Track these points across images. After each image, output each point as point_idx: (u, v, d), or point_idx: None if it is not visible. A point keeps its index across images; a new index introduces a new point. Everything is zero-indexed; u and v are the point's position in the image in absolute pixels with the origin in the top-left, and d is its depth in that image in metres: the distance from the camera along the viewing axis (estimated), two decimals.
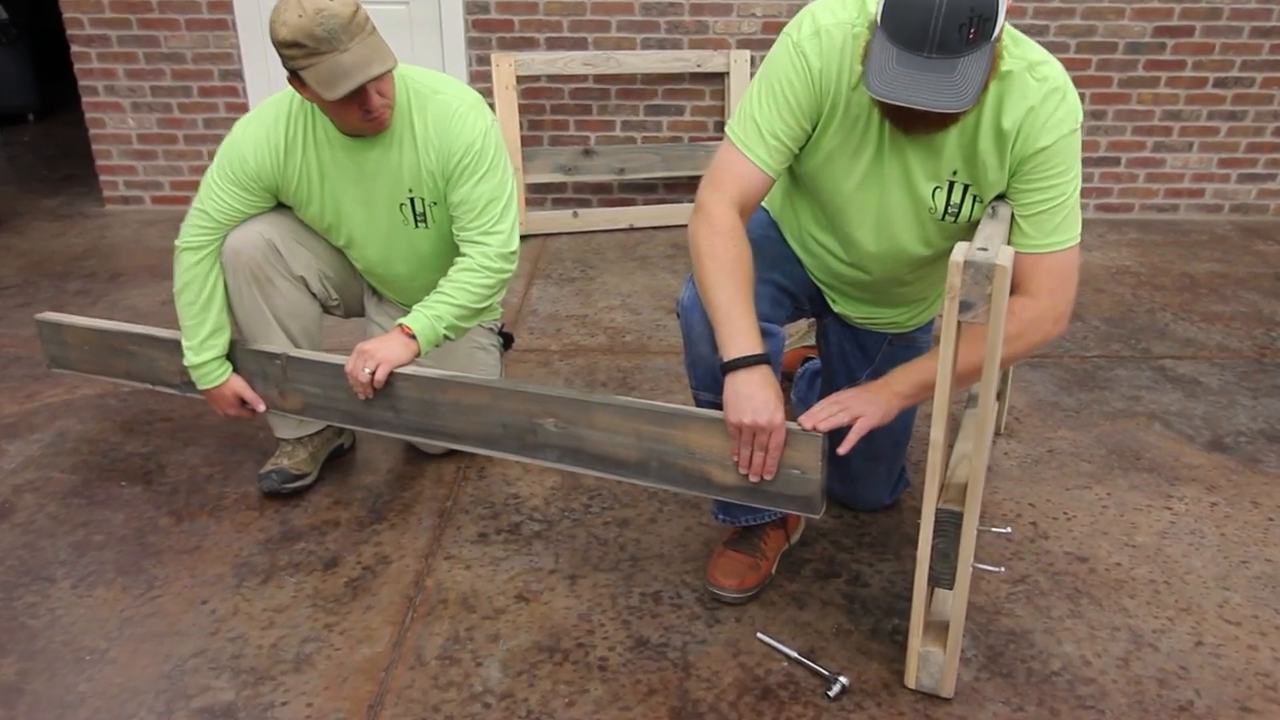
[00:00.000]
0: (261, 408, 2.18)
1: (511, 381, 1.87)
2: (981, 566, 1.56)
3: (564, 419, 1.79)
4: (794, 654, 1.74)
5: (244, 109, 4.37)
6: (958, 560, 1.52)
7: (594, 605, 1.88)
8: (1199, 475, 2.34)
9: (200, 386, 2.16)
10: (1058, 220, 1.57)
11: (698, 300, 1.68)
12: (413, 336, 1.98)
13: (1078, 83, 1.80)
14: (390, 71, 1.88)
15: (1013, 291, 1.47)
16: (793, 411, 2.47)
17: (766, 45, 4.10)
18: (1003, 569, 1.58)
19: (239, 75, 4.34)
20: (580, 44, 4.23)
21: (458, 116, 2.03)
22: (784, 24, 1.74)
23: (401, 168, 2.05)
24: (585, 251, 3.99)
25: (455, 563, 2.02)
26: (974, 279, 1.32)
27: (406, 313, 2.03)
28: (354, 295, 2.35)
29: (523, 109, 4.25)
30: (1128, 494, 2.26)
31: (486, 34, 4.22)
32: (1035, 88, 1.53)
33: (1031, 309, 1.58)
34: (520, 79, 4.15)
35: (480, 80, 4.26)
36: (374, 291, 2.36)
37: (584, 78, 4.27)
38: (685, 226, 1.75)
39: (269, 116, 2.05)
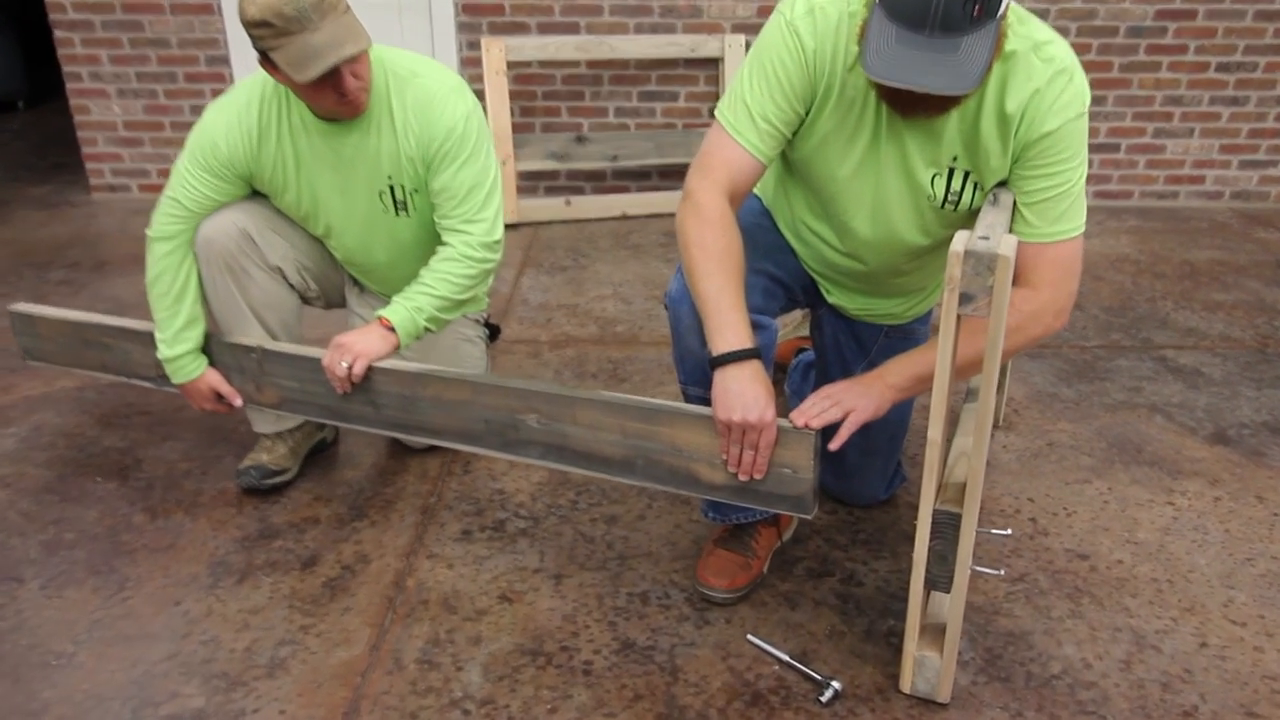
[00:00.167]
0: (238, 402, 2.12)
1: (493, 376, 1.80)
2: (980, 569, 1.51)
3: (547, 415, 1.72)
4: (785, 657, 1.68)
5: None
6: (955, 563, 1.46)
7: (579, 606, 1.82)
8: (1202, 469, 2.28)
9: (174, 380, 2.10)
10: (1062, 208, 1.50)
11: (686, 292, 1.62)
12: (391, 329, 1.91)
13: None
14: (365, 52, 1.81)
15: (1013, 283, 1.40)
16: (786, 405, 2.41)
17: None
18: (1002, 571, 1.52)
19: (225, 61, 4.26)
20: (572, 28, 4.15)
21: (438, 100, 1.96)
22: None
23: (380, 154, 1.98)
24: (578, 240, 3.92)
25: (437, 561, 1.96)
26: (975, 270, 1.25)
27: (389, 304, 1.96)
28: (334, 286, 2.29)
29: (514, 95, 4.18)
30: (1129, 488, 2.21)
31: (476, 18, 4.14)
32: (1041, 69, 1.46)
33: (1032, 301, 1.52)
34: (511, 64, 4.07)
35: (471, 66, 4.19)
36: (355, 282, 2.30)
37: (576, 63, 4.20)
38: None
39: (241, 100, 1.98)
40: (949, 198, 1.60)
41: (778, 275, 1.79)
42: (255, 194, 2.10)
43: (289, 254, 2.12)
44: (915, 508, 2.08)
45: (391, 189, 2.02)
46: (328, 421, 2.03)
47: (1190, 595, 1.86)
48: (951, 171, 1.57)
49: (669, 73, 4.22)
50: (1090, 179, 4.32)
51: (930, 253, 1.74)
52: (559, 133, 4.26)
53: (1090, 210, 4.19)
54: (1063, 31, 4.07)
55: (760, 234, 1.82)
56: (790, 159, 1.73)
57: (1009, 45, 1.44)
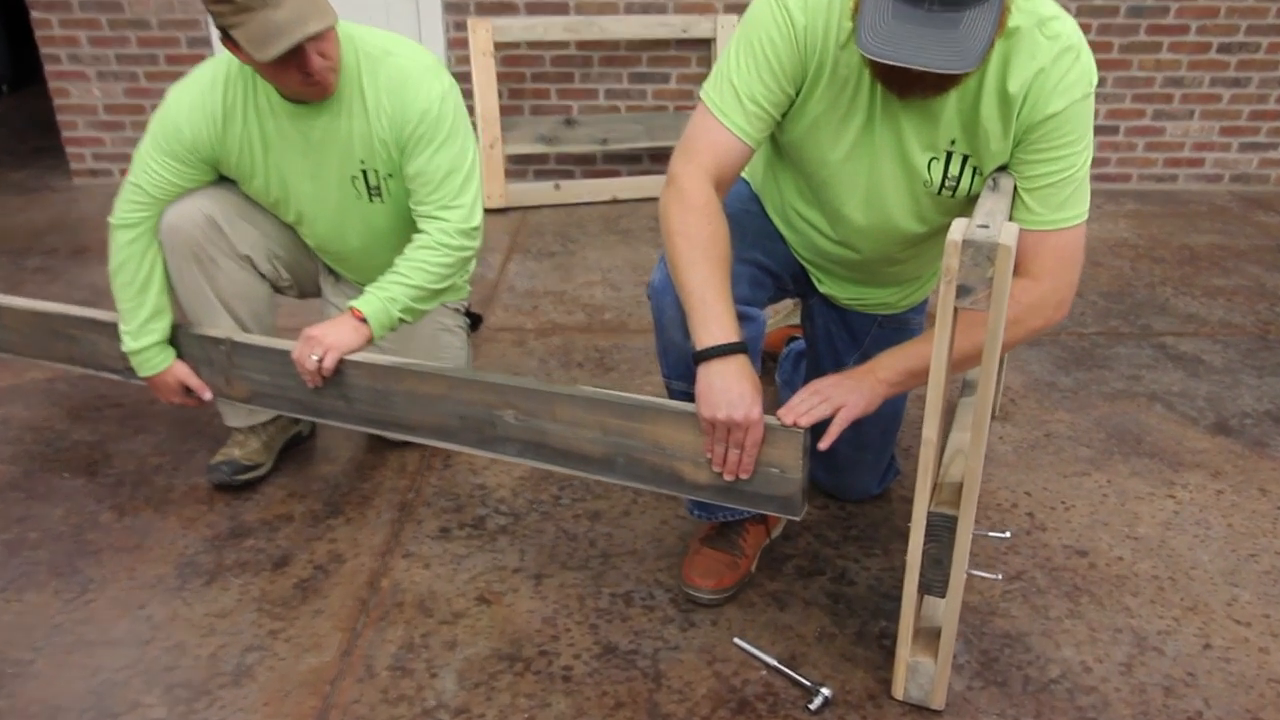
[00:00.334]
0: (208, 396, 2.04)
1: (469, 370, 1.73)
2: (977, 573, 1.44)
3: (524, 411, 1.65)
4: (773, 662, 1.61)
5: None
6: (951, 567, 1.39)
7: (560, 608, 1.76)
8: (1203, 460, 2.22)
9: (140, 374, 2.02)
10: (1065, 194, 1.43)
11: (670, 282, 1.54)
12: (364, 320, 1.83)
13: None
14: (331, 29, 1.73)
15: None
16: (777, 395, 2.34)
17: None
18: (1000, 576, 1.45)
19: (206, 43, 4.17)
20: (561, 9, 4.05)
21: (412, 80, 1.88)
22: None
23: (352, 137, 1.90)
24: (566, 225, 3.84)
25: (414, 561, 1.89)
26: (974, 260, 1.18)
27: (362, 294, 1.88)
28: (308, 275, 2.21)
29: (502, 77, 4.09)
30: (1129, 481, 2.14)
31: None
32: (1046, 46, 1.38)
33: (1032, 292, 1.45)
34: (499, 45, 3.97)
35: (457, 47, 4.10)
36: (330, 271, 2.22)
37: (565, 44, 4.10)
38: None
39: (205, 81, 1.89)
40: (946, 183, 1.52)
41: (766, 264, 1.72)
42: (223, 179, 2.01)
43: (259, 242, 2.04)
44: (909, 502, 2.01)
45: (364, 174, 1.94)
46: (299, 416, 1.96)
47: (1193, 594, 1.79)
48: (949, 155, 1.50)
49: (660, 54, 4.13)
50: None
51: (926, 240, 1.66)
52: (548, 115, 4.17)
53: None
54: None
55: (748, 220, 1.74)
56: (780, 142, 1.65)
57: (1012, 21, 1.37)
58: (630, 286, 3.20)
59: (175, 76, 4.20)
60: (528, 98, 4.18)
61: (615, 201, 4.08)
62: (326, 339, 1.80)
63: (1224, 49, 4.06)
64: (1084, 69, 1.40)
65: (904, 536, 1.91)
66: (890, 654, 1.64)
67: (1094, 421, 2.38)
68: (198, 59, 4.18)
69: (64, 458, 2.25)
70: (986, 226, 1.21)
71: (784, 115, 1.55)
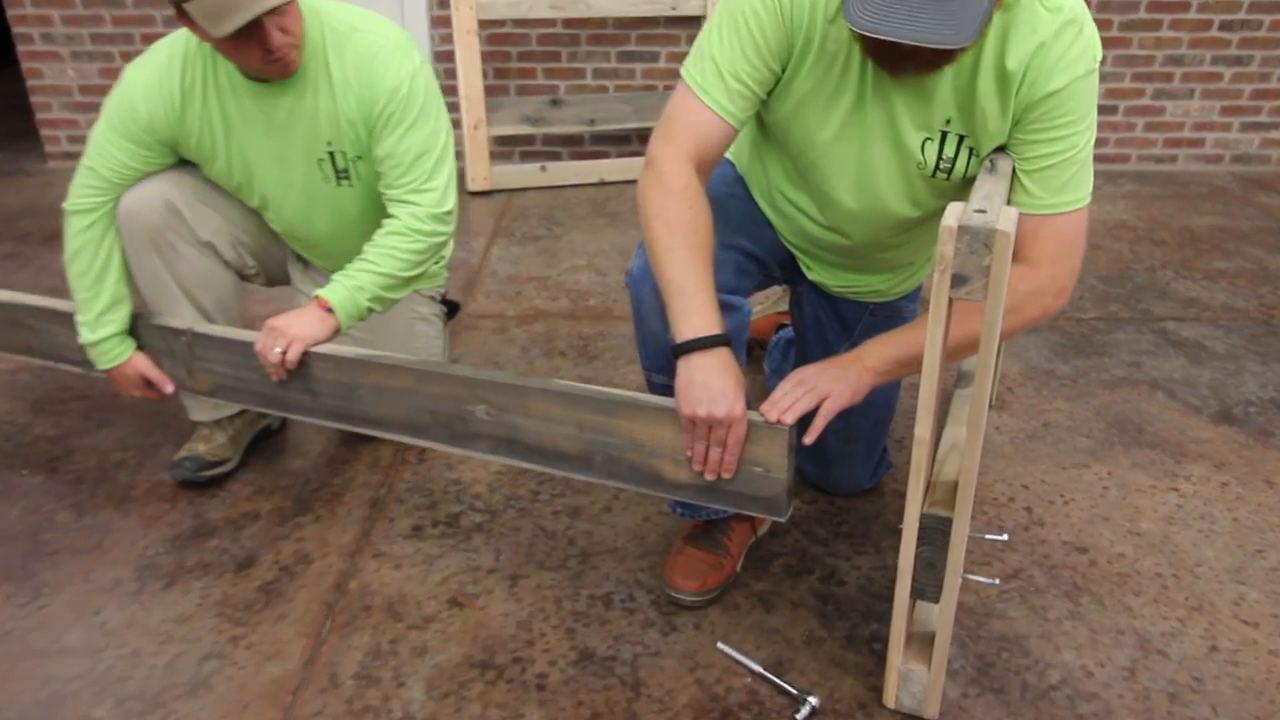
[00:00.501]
0: (169, 389, 1.95)
1: (438, 363, 1.64)
2: (974, 578, 1.36)
3: (496, 406, 1.57)
4: (758, 668, 1.54)
5: None
6: (945, 571, 1.31)
7: (535, 611, 1.68)
8: (1207, 451, 2.14)
9: (99, 366, 1.93)
10: (1066, 177, 1.34)
11: (649, 270, 1.45)
12: (330, 310, 1.75)
13: None
14: (292, 3, 1.63)
15: None
16: (765, 384, 2.26)
17: None
18: (997, 581, 1.37)
19: None
20: None
21: (381, 57, 1.78)
22: None
23: (318, 117, 1.80)
24: (553, 208, 3.75)
25: (384, 561, 1.80)
26: (970, 247, 1.09)
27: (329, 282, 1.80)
28: (276, 262, 2.11)
29: (486, 56, 3.98)
30: (1130, 473, 2.06)
31: None
32: (1047, 19, 1.29)
33: (1030, 280, 1.36)
34: (483, 24, 3.86)
35: (440, 25, 3.99)
36: (300, 258, 2.13)
37: (552, 22, 4.00)
38: None
39: (162, 59, 1.79)
40: (941, 165, 1.43)
41: (752, 250, 1.63)
42: (184, 163, 1.92)
43: (222, 228, 1.94)
44: (902, 496, 1.93)
45: (331, 156, 1.85)
46: (264, 410, 1.87)
47: (1198, 592, 1.72)
48: (944, 136, 1.41)
49: (649, 32, 4.02)
50: None
51: (920, 225, 1.58)
52: (534, 96, 4.07)
53: None
54: None
55: (733, 204, 1.66)
56: (766, 122, 1.56)
57: None
58: (617, 272, 3.11)
59: None
60: (513, 77, 4.07)
61: (603, 184, 3.98)
62: (290, 330, 1.72)
63: (1225, 26, 3.96)
64: (1087, 43, 1.31)
65: (896, 533, 1.83)
66: (881, 659, 1.56)
67: (1093, 411, 2.30)
68: None
69: (23, 453, 2.16)
70: (984, 211, 1.12)
71: (769, 93, 1.46)
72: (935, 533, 1.30)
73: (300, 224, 1.96)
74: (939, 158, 1.42)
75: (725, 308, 1.47)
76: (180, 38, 1.80)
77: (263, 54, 1.65)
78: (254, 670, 1.56)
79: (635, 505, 1.94)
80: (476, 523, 1.91)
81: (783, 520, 1.43)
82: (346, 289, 1.77)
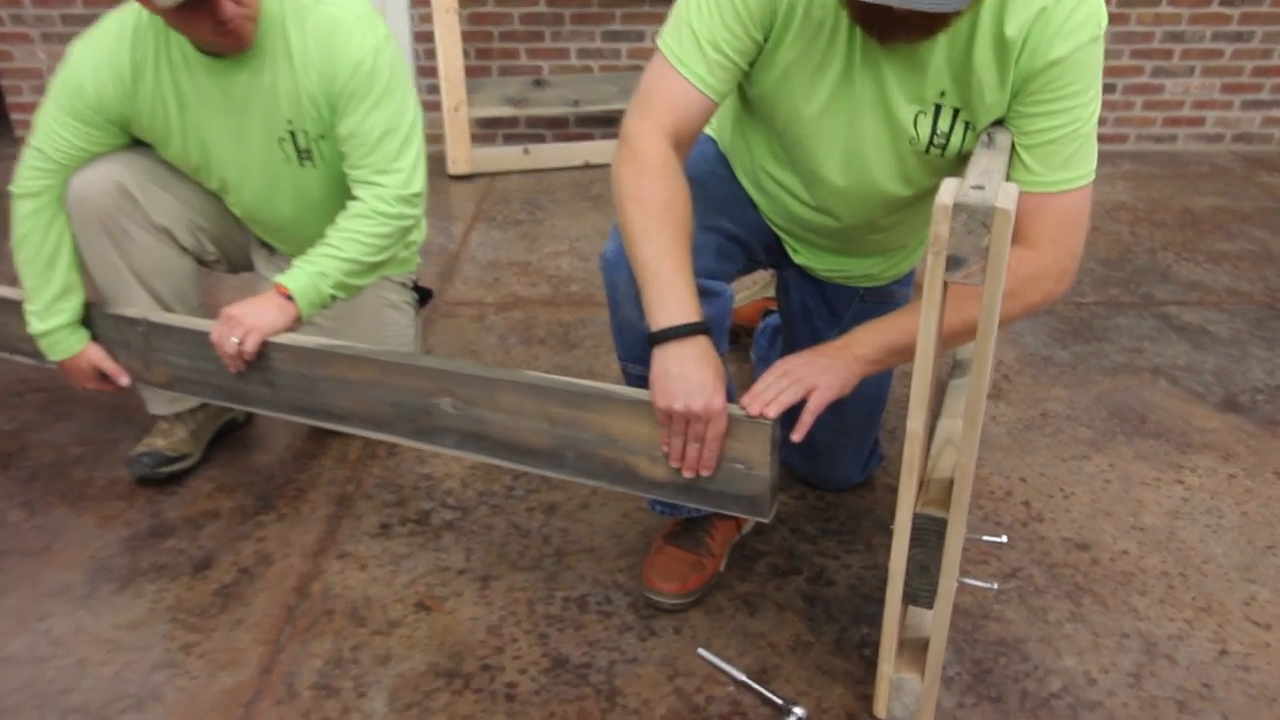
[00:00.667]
0: (124, 381, 1.85)
1: (401, 353, 1.55)
2: (971, 581, 1.27)
3: (463, 398, 1.47)
4: (741, 677, 1.45)
5: None
6: (940, 575, 1.23)
7: (507, 614, 1.59)
8: (1213, 441, 2.05)
9: (50, 358, 1.83)
10: (1069, 152, 1.24)
11: (624, 254, 1.36)
12: (290, 298, 1.65)
13: None
14: None
15: None
16: (753, 373, 2.16)
17: None
18: (995, 585, 1.28)
19: None
20: None
21: (343, 30, 1.68)
22: None
23: (277, 94, 1.70)
24: (535, 191, 3.64)
25: (348, 562, 1.71)
26: (967, 227, 1.00)
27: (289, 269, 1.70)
28: (238, 248, 2.01)
29: (467, 36, 3.87)
30: (1133, 465, 1.98)
31: None
32: None
33: (1030, 263, 1.27)
34: (464, 2, 3.75)
35: (419, 4, 3.87)
36: (264, 244, 2.02)
37: (535, 0, 3.88)
38: None
39: (111, 34, 1.69)
40: (935, 140, 1.33)
41: (734, 232, 1.53)
42: (138, 144, 1.82)
43: (179, 212, 1.84)
44: (894, 490, 1.84)
45: (293, 135, 1.75)
46: (223, 404, 1.77)
47: (1206, 592, 1.63)
48: (938, 109, 1.31)
49: (634, 10, 3.91)
50: None
51: (913, 205, 1.48)
52: (516, 76, 3.96)
53: None
54: None
55: (714, 184, 1.56)
56: (748, 95, 1.46)
57: None
58: (599, 257, 3.01)
59: None
60: (495, 58, 3.96)
61: (587, 166, 3.88)
62: (247, 319, 1.62)
63: (1226, 1, 3.86)
64: (1092, 9, 1.21)
65: (888, 530, 1.74)
66: (872, 665, 1.47)
67: (1094, 399, 2.21)
68: None
69: None
70: (981, 188, 1.03)
71: (751, 65, 1.36)
72: (929, 534, 1.21)
73: (262, 207, 1.86)
74: (933, 132, 1.32)
75: (705, 294, 1.38)
76: (130, 10, 1.69)
77: (214, 26, 1.55)
78: (206, 680, 1.47)
79: (614, 501, 1.85)
80: (447, 520, 1.82)
81: (766, 521, 1.33)
82: (308, 275, 1.67)
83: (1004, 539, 1.24)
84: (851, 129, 1.36)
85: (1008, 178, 1.23)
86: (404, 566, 1.70)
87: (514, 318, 2.61)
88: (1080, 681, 1.45)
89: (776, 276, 1.79)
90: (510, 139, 4.09)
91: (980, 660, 1.49)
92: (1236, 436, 2.06)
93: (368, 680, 1.46)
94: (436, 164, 3.83)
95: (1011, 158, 1.26)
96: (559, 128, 4.09)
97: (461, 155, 3.74)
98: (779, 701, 1.40)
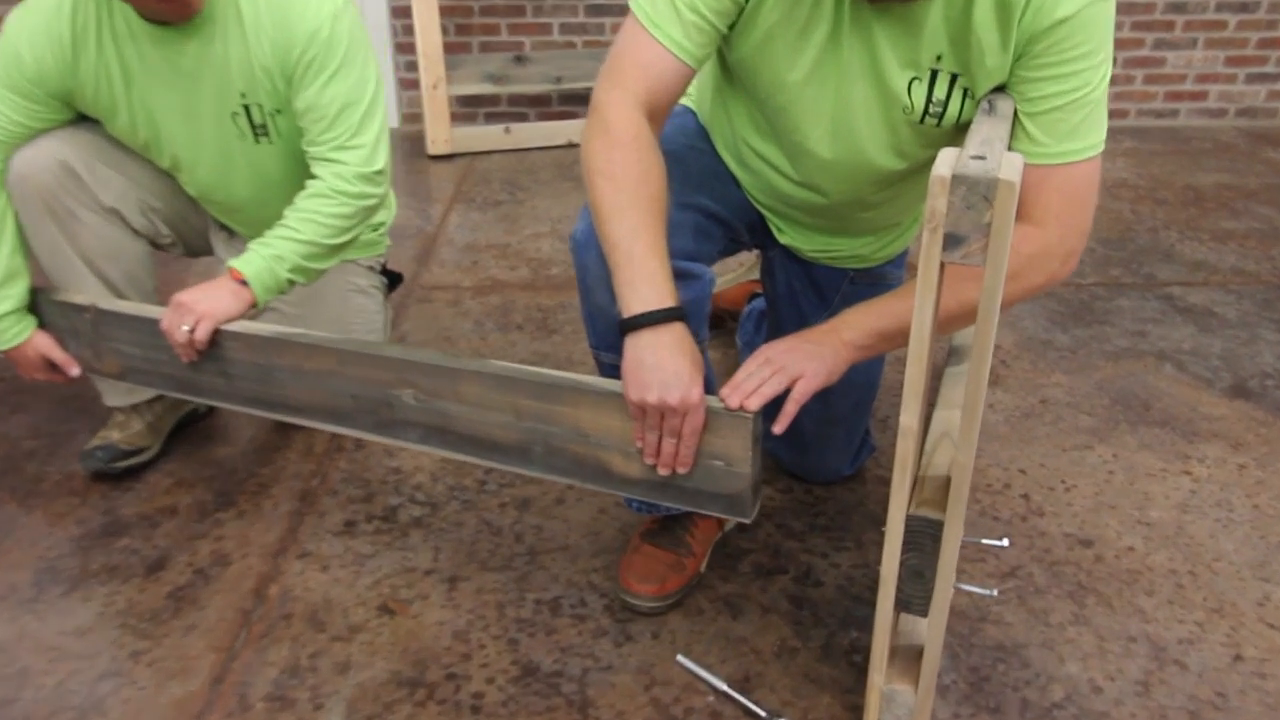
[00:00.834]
0: (74, 371, 1.75)
1: (361, 342, 1.45)
2: (968, 588, 1.18)
3: (425, 390, 1.37)
4: (722, 686, 1.36)
5: None
6: (935, 581, 1.13)
7: (475, 618, 1.49)
8: (1221, 429, 1.96)
9: None
10: (1077, 120, 1.14)
11: (594, 234, 1.26)
12: (244, 283, 1.55)
13: None
14: None
15: None
16: (738, 360, 2.06)
17: None
18: (995, 591, 1.19)
19: None
20: None
21: None
22: None
23: (228, 65, 1.59)
24: (517, 171, 3.53)
25: (310, 562, 1.62)
26: (966, 201, 0.90)
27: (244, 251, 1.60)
28: (194, 230, 1.91)
29: (446, 11, 3.74)
30: (1138, 455, 1.88)
31: None
32: None
33: (1034, 241, 1.17)
34: None
35: None
36: (223, 225, 1.92)
37: None
38: None
39: (50, 2, 1.58)
40: (930, 109, 1.23)
41: (714, 210, 1.43)
42: (84, 119, 1.71)
43: (129, 192, 1.74)
44: (886, 483, 1.75)
45: (247, 109, 1.64)
46: (176, 395, 1.67)
47: (1217, 591, 1.54)
48: (934, 75, 1.21)
49: None
50: None
51: (906, 180, 1.38)
52: (497, 53, 3.83)
53: None
54: None
55: (693, 159, 1.46)
56: (728, 61, 1.36)
57: None
58: (569, 238, 2.90)
59: None
60: (475, 34, 3.84)
61: (571, 145, 3.76)
62: (199, 306, 1.52)
63: None
64: None
65: (879, 525, 1.65)
66: (862, 672, 1.38)
67: (1096, 385, 2.12)
68: None
69: None
70: (982, 158, 0.93)
71: (731, 27, 1.26)
72: (923, 537, 1.12)
73: (216, 187, 1.75)
74: (928, 100, 1.22)
75: (682, 276, 1.28)
76: None
77: None
78: (154, 691, 1.37)
79: (590, 497, 1.76)
80: (415, 517, 1.72)
81: (747, 521, 1.24)
82: (263, 259, 1.57)
83: (1005, 542, 1.15)
84: (839, 97, 1.26)
85: (1010, 148, 1.13)
86: (368, 567, 1.61)
87: (491, 302, 2.51)
88: (1084, 690, 1.37)
89: (761, 258, 1.69)
90: (492, 118, 3.97)
91: (977, 667, 1.40)
92: (1246, 424, 1.97)
93: (325, 690, 1.37)
94: (415, 144, 3.72)
95: (1014, 127, 1.16)
96: (542, 106, 3.97)
97: (441, 134, 3.62)
98: (762, 714, 1.31)
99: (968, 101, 1.21)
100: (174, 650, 1.45)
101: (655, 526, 1.55)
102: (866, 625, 1.47)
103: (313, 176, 1.63)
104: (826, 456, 1.73)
